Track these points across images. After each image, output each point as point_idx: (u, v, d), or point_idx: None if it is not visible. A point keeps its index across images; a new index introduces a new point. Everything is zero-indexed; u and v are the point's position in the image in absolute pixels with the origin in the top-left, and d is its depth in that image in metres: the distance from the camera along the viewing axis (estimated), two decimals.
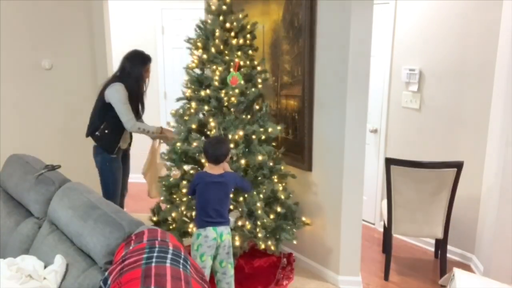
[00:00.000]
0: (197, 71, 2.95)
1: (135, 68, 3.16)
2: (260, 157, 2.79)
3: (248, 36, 2.90)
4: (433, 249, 3.61)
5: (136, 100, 3.26)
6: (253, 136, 2.80)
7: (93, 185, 2.43)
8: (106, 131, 3.17)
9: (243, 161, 2.79)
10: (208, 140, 2.58)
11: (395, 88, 3.78)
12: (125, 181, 3.52)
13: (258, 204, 2.77)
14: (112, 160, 3.25)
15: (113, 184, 3.31)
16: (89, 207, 2.01)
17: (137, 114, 3.32)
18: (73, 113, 3.82)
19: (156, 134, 3.22)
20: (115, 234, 1.82)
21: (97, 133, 3.18)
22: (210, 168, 2.54)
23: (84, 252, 1.95)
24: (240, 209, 2.82)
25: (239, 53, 2.83)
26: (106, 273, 1.58)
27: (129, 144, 3.47)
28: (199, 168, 2.98)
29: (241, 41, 2.84)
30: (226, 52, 2.83)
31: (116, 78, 3.17)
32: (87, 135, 3.24)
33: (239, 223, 2.83)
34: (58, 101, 3.74)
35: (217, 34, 2.80)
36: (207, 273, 2.49)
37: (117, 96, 3.08)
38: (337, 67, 2.84)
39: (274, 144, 3.00)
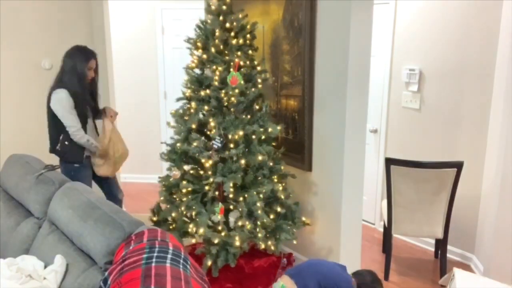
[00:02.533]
0: (197, 71, 2.95)
1: (76, 66, 2.89)
2: (260, 157, 2.79)
3: (248, 36, 2.90)
4: (433, 249, 3.61)
5: (83, 102, 2.98)
6: (253, 136, 2.80)
7: (93, 185, 2.43)
8: (66, 143, 2.95)
9: (243, 161, 2.79)
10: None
11: (395, 88, 3.78)
12: (112, 183, 3.30)
13: (258, 204, 2.77)
14: (77, 169, 3.01)
15: None
16: (89, 207, 2.01)
17: (95, 114, 3.17)
18: None
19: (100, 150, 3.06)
20: (115, 234, 1.82)
21: (57, 147, 2.96)
22: None
23: (84, 252, 1.95)
24: (240, 209, 2.82)
25: (239, 53, 2.83)
26: (106, 273, 1.58)
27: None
28: (199, 168, 2.98)
29: (241, 41, 2.84)
30: (226, 52, 2.83)
31: (58, 83, 2.92)
32: (50, 151, 3.02)
33: (239, 223, 2.83)
34: None
35: (217, 34, 2.80)
36: None
37: (58, 106, 2.87)
38: (337, 67, 2.84)
39: (274, 144, 3.00)
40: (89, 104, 3.07)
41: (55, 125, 2.95)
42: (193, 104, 2.87)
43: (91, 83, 3.07)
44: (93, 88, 3.13)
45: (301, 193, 3.22)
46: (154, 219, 3.00)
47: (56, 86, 2.89)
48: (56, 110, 2.88)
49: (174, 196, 2.96)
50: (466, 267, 3.35)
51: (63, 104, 2.86)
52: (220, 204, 2.80)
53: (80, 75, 2.91)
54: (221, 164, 2.78)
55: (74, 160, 2.99)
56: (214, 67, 2.80)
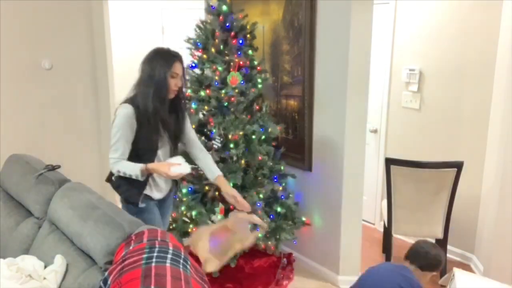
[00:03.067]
0: (197, 71, 2.95)
1: (155, 73, 2.13)
2: (260, 157, 2.79)
3: (248, 36, 2.90)
4: None
5: (156, 122, 2.17)
6: (253, 136, 2.80)
7: (93, 185, 2.42)
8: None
9: (243, 161, 2.79)
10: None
11: (395, 88, 3.78)
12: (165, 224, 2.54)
13: (258, 204, 2.78)
14: (140, 211, 2.27)
15: None
16: (89, 207, 2.01)
17: (177, 141, 2.36)
18: (73, 113, 3.81)
19: (142, 175, 2.17)
20: (115, 234, 1.81)
21: (113, 178, 2.27)
22: None
23: (84, 252, 1.95)
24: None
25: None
26: (106, 273, 1.58)
27: (171, 190, 2.47)
28: (199, 168, 2.98)
29: (241, 41, 2.84)
30: (226, 52, 2.83)
31: (128, 97, 2.20)
32: (106, 180, 2.35)
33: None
34: (58, 101, 3.74)
35: (217, 34, 2.80)
36: None
37: (116, 121, 2.15)
38: (337, 67, 2.84)
39: (274, 144, 3.00)
40: (167, 126, 2.24)
41: None
42: (193, 104, 2.87)
43: (176, 97, 2.24)
44: (178, 104, 2.29)
45: (301, 193, 3.22)
46: None
47: (124, 100, 2.18)
48: (113, 126, 2.16)
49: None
50: (466, 267, 3.35)
51: (120, 122, 2.12)
52: (220, 204, 2.80)
53: (158, 84, 2.12)
54: (221, 164, 2.78)
55: (127, 198, 2.29)
56: (214, 67, 2.80)
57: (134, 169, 2.15)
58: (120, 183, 2.26)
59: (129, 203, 2.28)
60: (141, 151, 2.21)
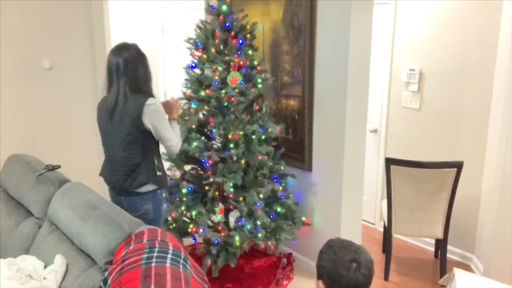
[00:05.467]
0: (197, 71, 2.95)
1: (147, 69, 2.37)
2: (260, 157, 2.80)
3: (248, 36, 2.90)
4: (433, 249, 3.61)
5: None
6: (253, 136, 2.80)
7: (93, 185, 2.42)
8: (160, 165, 2.44)
9: (243, 161, 2.79)
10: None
11: (395, 88, 3.78)
12: None
13: (258, 204, 2.78)
14: (164, 199, 2.57)
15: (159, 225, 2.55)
16: (89, 207, 2.01)
17: None
18: (73, 113, 3.81)
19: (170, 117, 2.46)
20: (115, 234, 1.82)
21: (158, 173, 2.40)
22: None
23: (84, 252, 1.95)
24: (240, 209, 2.82)
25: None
26: (106, 273, 1.58)
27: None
28: (199, 168, 2.98)
29: (241, 41, 2.84)
30: (226, 52, 2.83)
31: (139, 94, 2.30)
32: (133, 188, 2.35)
33: (239, 223, 2.83)
34: (58, 101, 3.74)
35: (217, 34, 2.80)
36: None
37: (159, 112, 2.31)
38: (337, 67, 2.84)
39: (274, 144, 3.00)
40: None
41: (146, 147, 2.34)
42: (193, 104, 2.87)
43: None
44: None
45: (301, 193, 3.22)
46: None
47: (141, 97, 2.29)
48: (156, 119, 2.29)
49: (174, 196, 2.97)
50: (466, 267, 3.35)
51: (161, 109, 2.33)
52: (220, 204, 2.80)
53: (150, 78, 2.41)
54: (221, 164, 2.78)
55: (165, 184, 2.49)
56: (214, 67, 2.80)
57: (177, 128, 2.46)
58: (163, 174, 2.44)
59: (163, 187, 2.46)
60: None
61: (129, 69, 2.27)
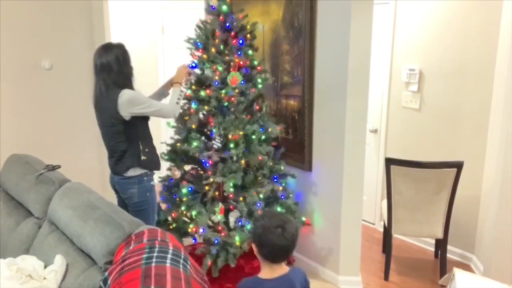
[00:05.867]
0: (197, 71, 2.95)
1: (129, 65, 2.63)
2: (260, 157, 2.79)
3: (248, 36, 2.90)
4: (433, 249, 3.61)
5: None
6: (253, 136, 2.80)
7: (93, 185, 2.43)
8: (147, 150, 2.61)
9: (243, 161, 2.79)
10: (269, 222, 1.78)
11: (395, 88, 3.78)
12: None
13: (258, 204, 2.78)
14: (153, 187, 2.68)
15: (154, 213, 2.74)
16: (89, 207, 2.01)
17: None
18: (73, 113, 3.81)
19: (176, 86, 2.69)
20: (115, 234, 1.82)
21: (143, 157, 2.58)
22: (269, 271, 1.81)
23: (84, 252, 1.95)
24: (240, 209, 2.82)
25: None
26: (106, 273, 1.58)
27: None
28: (199, 168, 2.98)
29: (241, 41, 2.84)
30: (226, 52, 2.83)
31: (116, 89, 2.51)
32: (122, 172, 2.58)
33: (239, 223, 2.83)
34: (58, 101, 3.74)
35: (217, 34, 2.80)
36: None
37: (137, 96, 2.52)
38: (337, 67, 2.84)
39: (274, 144, 3.00)
40: None
41: (130, 135, 2.55)
42: (193, 104, 2.87)
43: None
44: None
45: (301, 193, 3.22)
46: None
47: (116, 92, 2.50)
48: (129, 103, 2.47)
49: (174, 196, 2.96)
50: (466, 267, 3.35)
51: (135, 95, 2.51)
52: (220, 204, 2.80)
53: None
54: (221, 164, 2.78)
55: (156, 166, 2.66)
56: (214, 67, 2.80)
57: (176, 92, 2.67)
58: (150, 157, 2.62)
59: (154, 170, 2.65)
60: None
61: (104, 67, 2.56)
